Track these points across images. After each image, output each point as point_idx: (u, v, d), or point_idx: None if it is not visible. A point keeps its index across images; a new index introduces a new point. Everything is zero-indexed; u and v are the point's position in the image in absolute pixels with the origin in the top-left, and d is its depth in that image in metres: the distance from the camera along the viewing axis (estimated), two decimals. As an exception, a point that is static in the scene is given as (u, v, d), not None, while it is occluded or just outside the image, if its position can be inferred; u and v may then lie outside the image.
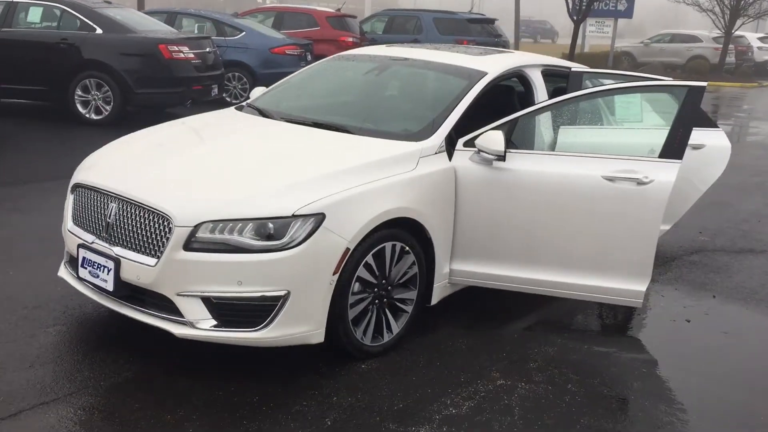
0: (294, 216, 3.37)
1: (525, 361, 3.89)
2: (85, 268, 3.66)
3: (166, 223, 3.37)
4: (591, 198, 3.94)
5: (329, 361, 3.72)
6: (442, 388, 3.57)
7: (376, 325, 3.83)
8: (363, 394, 3.46)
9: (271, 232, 3.36)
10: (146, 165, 3.87)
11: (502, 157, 3.95)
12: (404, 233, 3.85)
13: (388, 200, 3.69)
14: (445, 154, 4.10)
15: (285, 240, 3.35)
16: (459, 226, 4.14)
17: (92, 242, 3.64)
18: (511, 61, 4.89)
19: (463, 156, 4.11)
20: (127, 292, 3.51)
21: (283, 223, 3.37)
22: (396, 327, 3.93)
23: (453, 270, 4.21)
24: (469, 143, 4.10)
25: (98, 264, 3.57)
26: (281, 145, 4.06)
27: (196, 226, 3.33)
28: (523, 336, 4.22)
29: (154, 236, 3.42)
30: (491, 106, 4.57)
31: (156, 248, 3.40)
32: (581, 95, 4.20)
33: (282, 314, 3.38)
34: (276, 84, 5.18)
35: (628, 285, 4.01)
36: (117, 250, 3.52)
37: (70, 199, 3.90)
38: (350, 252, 3.51)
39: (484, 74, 4.54)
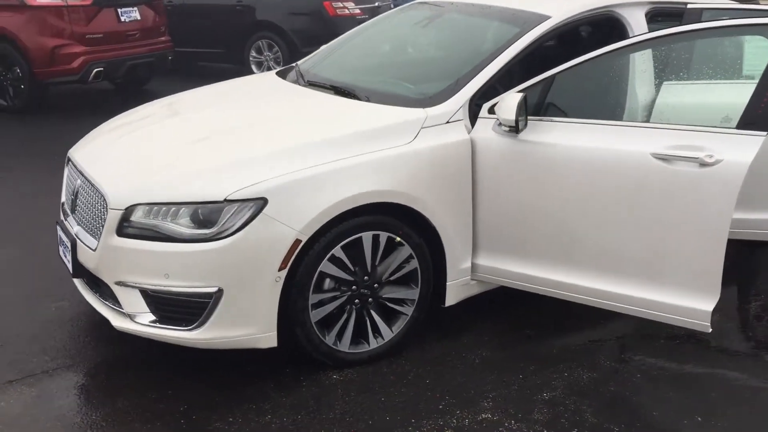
0: (227, 201, 2.87)
1: (536, 391, 3.05)
2: (59, 246, 3.50)
3: (104, 205, 3.06)
4: (637, 183, 2.93)
5: (304, 368, 3.20)
6: (406, 417, 2.90)
7: (357, 329, 3.23)
8: (305, 415, 2.91)
9: (203, 218, 2.90)
10: (120, 139, 3.59)
11: (514, 128, 3.08)
12: (393, 221, 3.17)
13: (362, 181, 3.04)
14: (462, 123, 3.31)
15: (215, 229, 2.87)
16: (481, 213, 3.35)
17: (64, 220, 3.47)
18: (595, 0, 3.85)
19: (485, 125, 3.29)
20: (84, 273, 3.28)
21: (213, 209, 2.89)
22: (389, 331, 3.29)
23: (477, 265, 3.44)
24: (494, 110, 3.26)
25: (63, 242, 3.38)
26: (262, 115, 3.54)
27: (128, 209, 2.97)
28: (559, 356, 3.34)
29: (97, 218, 3.13)
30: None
31: (98, 231, 3.11)
32: (629, 45, 3.11)
33: (216, 314, 2.92)
34: (333, 42, 4.63)
35: (688, 301, 2.95)
36: (76, 230, 3.29)
37: (65, 173, 3.76)
38: (302, 244, 2.94)
39: (544, 19, 3.61)
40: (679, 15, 3.88)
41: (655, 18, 3.94)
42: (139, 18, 9.04)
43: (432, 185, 3.21)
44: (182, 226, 2.92)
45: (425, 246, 3.29)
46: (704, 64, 3.13)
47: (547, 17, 3.63)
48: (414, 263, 3.28)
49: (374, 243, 3.15)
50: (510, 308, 3.72)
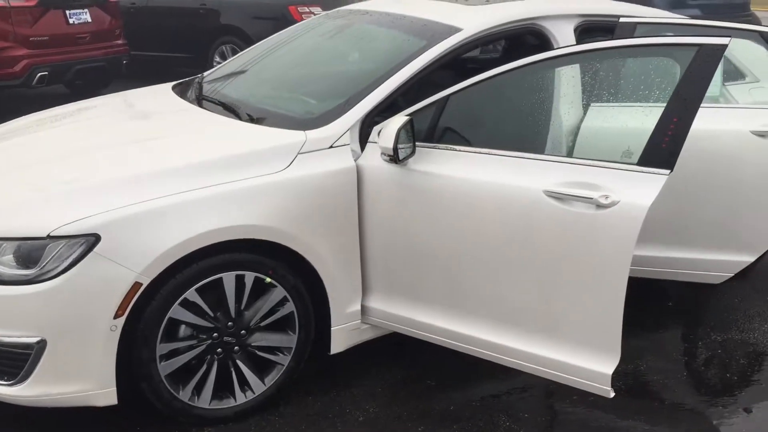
0: (50, 237, 2.47)
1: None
2: None
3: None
4: (528, 224, 2.53)
5: (168, 424, 2.80)
6: (257, 492, 2.50)
7: (220, 383, 2.82)
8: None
9: (24, 257, 2.50)
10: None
11: (393, 158, 2.67)
12: (263, 260, 2.77)
13: (219, 215, 2.64)
14: (348, 148, 2.90)
15: (36, 270, 2.47)
16: (370, 251, 2.95)
17: None
18: (516, 11, 3.45)
19: (375, 151, 2.88)
20: None
21: (35, 246, 2.48)
22: (260, 384, 2.88)
23: (368, 308, 3.03)
24: (382, 134, 2.86)
25: None
26: (121, 137, 3.11)
27: (-53, 243, 2.57)
28: (456, 414, 2.93)
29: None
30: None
31: None
32: (526, 64, 2.69)
33: (40, 368, 2.51)
34: (246, 50, 4.22)
35: (586, 362, 2.54)
36: None
37: None
38: (143, 287, 2.53)
39: (455, 32, 3.21)
40: (610, 29, 3.48)
41: (585, 33, 3.55)
42: (89, 20, 8.65)
43: (309, 219, 2.81)
44: (4, 265, 2.51)
45: (303, 287, 2.89)
46: (616, 87, 2.72)
47: (458, 29, 3.23)
48: (290, 307, 2.87)
49: (238, 285, 2.74)
50: (418, 353, 3.31)
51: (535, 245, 2.52)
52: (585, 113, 2.69)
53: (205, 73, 3.99)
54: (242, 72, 3.70)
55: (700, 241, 3.30)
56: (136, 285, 2.52)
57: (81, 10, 8.58)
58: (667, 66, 2.49)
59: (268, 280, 2.79)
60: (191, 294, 2.65)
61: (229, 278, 2.71)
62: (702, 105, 3.23)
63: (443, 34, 3.22)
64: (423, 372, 3.21)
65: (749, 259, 3.30)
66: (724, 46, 2.32)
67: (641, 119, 2.43)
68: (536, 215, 2.49)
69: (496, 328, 2.71)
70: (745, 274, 4.21)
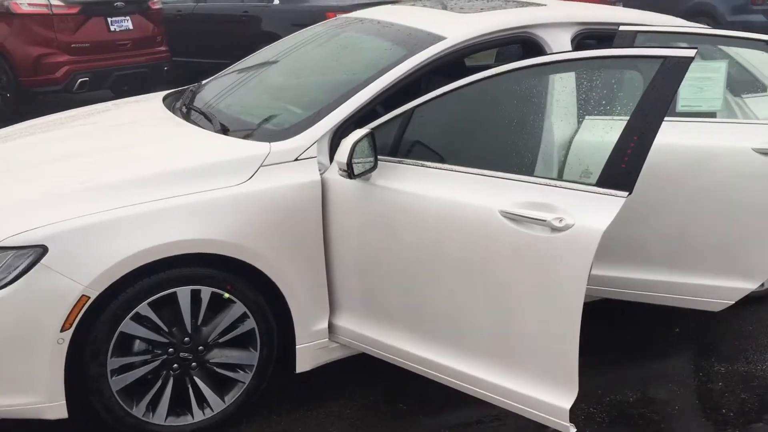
0: (-2, 248, 2.45)
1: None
2: None
3: None
4: (485, 246, 2.38)
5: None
6: None
7: (178, 399, 2.75)
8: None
9: (-27, 268, 2.49)
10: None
11: (347, 173, 2.55)
12: (221, 274, 2.70)
13: (172, 228, 2.58)
14: (315, 161, 2.81)
15: (-19, 282, 2.46)
16: (336, 267, 2.85)
17: None
18: (507, 19, 3.29)
19: (341, 165, 2.78)
20: None
21: (-19, 258, 2.47)
22: (220, 402, 2.81)
23: (336, 326, 2.93)
24: (352, 146, 2.75)
25: None
26: (87, 147, 3.08)
27: None
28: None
29: None
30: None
31: None
32: (488, 77, 2.52)
33: (-13, 378, 2.51)
34: (245, 59, 4.18)
35: (544, 394, 2.36)
36: None
37: None
38: (90, 300, 2.49)
39: (437, 41, 3.08)
40: (609, 38, 3.29)
41: (584, 42, 3.37)
42: (131, 27, 8.81)
43: (271, 234, 2.72)
44: (-44, 275, 2.51)
45: (265, 304, 2.80)
46: (581, 101, 2.53)
47: (442, 38, 3.10)
48: (250, 323, 2.79)
49: (194, 300, 2.68)
50: (394, 374, 3.17)
51: (491, 269, 2.37)
52: (549, 128, 2.52)
53: (204, 82, 3.96)
54: (230, 82, 3.64)
55: (698, 266, 3.07)
56: (84, 298, 2.48)
57: (123, 17, 8.75)
58: (631, 79, 2.30)
59: (227, 295, 2.72)
60: (143, 308, 2.60)
61: (183, 293, 2.65)
62: (704, 120, 3.05)
63: (425, 42, 3.10)
64: (396, 395, 3.08)
65: (751, 286, 3.06)
66: (690, 59, 2.13)
67: (602, 136, 2.25)
68: (492, 237, 2.34)
69: (456, 353, 2.57)
70: (766, 298, 3.97)
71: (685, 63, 2.12)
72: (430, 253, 2.53)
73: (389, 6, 4.03)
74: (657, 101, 2.11)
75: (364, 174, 2.59)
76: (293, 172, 2.77)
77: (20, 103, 8.22)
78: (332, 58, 3.45)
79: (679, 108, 3.08)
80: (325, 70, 3.39)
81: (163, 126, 3.20)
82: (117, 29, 8.67)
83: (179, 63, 9.84)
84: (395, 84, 2.96)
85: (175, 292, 2.63)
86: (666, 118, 3.04)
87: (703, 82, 3.04)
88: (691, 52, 2.13)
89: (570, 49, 3.28)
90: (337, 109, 2.88)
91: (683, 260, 3.09)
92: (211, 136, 2.98)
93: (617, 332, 3.61)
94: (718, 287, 3.08)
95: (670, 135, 3.02)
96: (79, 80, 8.28)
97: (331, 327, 2.93)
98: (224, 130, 3.02)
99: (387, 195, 2.63)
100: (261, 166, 2.75)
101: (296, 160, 2.79)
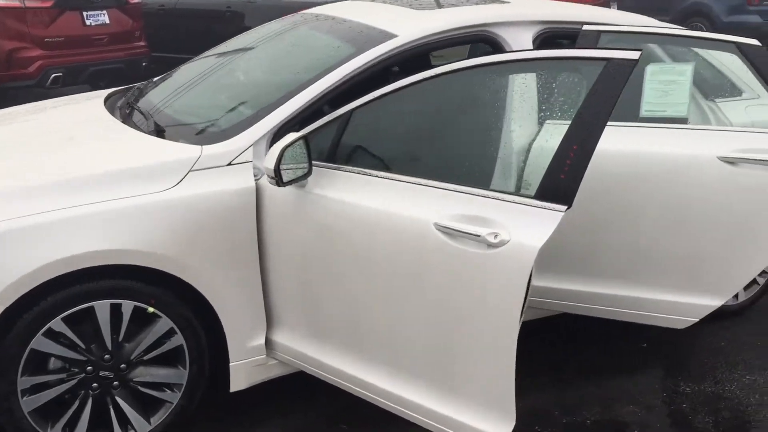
0: None
1: None
2: None
3: None
4: (420, 260, 2.19)
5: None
6: None
7: (99, 420, 2.57)
8: None
9: None
10: None
11: (275, 180, 2.36)
12: (144, 287, 2.52)
13: (87, 238, 2.38)
14: (250, 166, 2.62)
15: None
16: (273, 280, 2.66)
17: None
18: (464, 16, 3.10)
19: (277, 170, 2.59)
20: None
21: None
22: (145, 423, 2.63)
23: (274, 342, 2.75)
24: (286, 151, 2.56)
25: None
26: (13, 149, 2.89)
27: None
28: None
29: None
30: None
31: None
32: (428, 78, 2.34)
33: None
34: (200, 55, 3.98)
35: (481, 422, 2.18)
36: None
37: None
38: (-3, 315, 2.31)
39: (388, 38, 2.90)
40: (575, 37, 3.11)
41: (547, 42, 3.19)
42: (107, 22, 8.60)
43: (200, 244, 2.54)
44: None
45: (194, 318, 2.62)
46: (521, 107, 2.34)
47: (393, 36, 2.92)
48: (178, 339, 2.61)
49: (114, 314, 2.50)
50: (337, 392, 3.00)
51: (426, 287, 2.19)
52: (487, 134, 2.34)
53: (155, 79, 3.77)
54: (178, 80, 3.45)
55: (661, 280, 2.90)
56: (-11, 312, 2.29)
57: (99, 12, 8.54)
58: (574, 83, 2.12)
59: (151, 309, 2.54)
60: (57, 324, 2.41)
61: (102, 307, 2.46)
62: (668, 126, 2.87)
63: (376, 40, 2.91)
64: (337, 414, 2.90)
65: (716, 303, 2.88)
66: (634, 62, 1.94)
67: (541, 144, 2.07)
68: (426, 252, 2.16)
69: (393, 376, 2.39)
70: (741, 312, 3.80)
71: (628, 65, 1.93)
72: (364, 268, 2.35)
73: (351, 2, 3.85)
74: (599, 107, 1.93)
75: (296, 181, 2.41)
76: (226, 178, 2.59)
77: (-6, 99, 8.04)
78: (280, 57, 3.26)
79: (643, 113, 2.91)
80: (271, 69, 3.20)
81: (95, 127, 3.01)
82: (93, 23, 8.46)
83: (160, 58, 9.64)
84: (342, 84, 2.78)
85: (92, 306, 2.45)
86: (629, 124, 2.91)
87: (669, 85, 2.86)
88: (635, 54, 1.94)
89: (531, 48, 3.11)
90: (275, 111, 2.69)
91: (645, 274, 2.91)
92: (143, 139, 2.79)
93: (579, 347, 3.44)
94: (681, 303, 2.91)
95: (632, 142, 2.86)
96: (53, 75, 8.08)
97: (269, 343, 2.75)
98: (159, 132, 2.83)
99: (322, 203, 2.45)
100: (190, 170, 2.56)
101: (229, 164, 2.60)
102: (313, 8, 3.84)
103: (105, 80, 8.84)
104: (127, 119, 3.05)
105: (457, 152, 2.40)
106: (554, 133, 2.05)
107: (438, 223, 2.13)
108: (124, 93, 3.55)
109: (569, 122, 1.97)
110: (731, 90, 3.46)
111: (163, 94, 3.27)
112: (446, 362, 2.22)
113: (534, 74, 2.29)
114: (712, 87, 3.48)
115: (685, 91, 2.85)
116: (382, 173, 2.34)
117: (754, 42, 2.95)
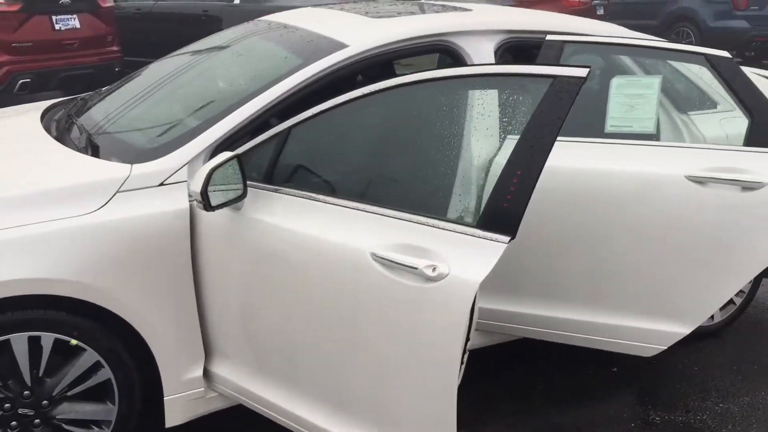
0: None
1: None
2: None
3: None
4: (354, 292, 2.02)
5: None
6: None
7: (21, 460, 2.38)
8: None
9: None
10: None
11: (203, 204, 2.18)
12: (67, 318, 2.33)
13: (1, 265, 2.20)
14: (184, 186, 2.44)
15: None
16: (209, 309, 2.48)
17: None
18: (421, 25, 2.94)
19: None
20: None
21: None
22: (71, 462, 2.44)
23: (214, 374, 2.56)
24: (221, 170, 2.37)
25: None
26: None
27: None
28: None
29: None
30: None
31: None
32: (370, 93, 2.16)
33: None
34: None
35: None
36: None
37: None
38: None
39: (338, 48, 2.72)
40: (538, 48, 2.94)
41: (509, 52, 3.03)
42: (78, 26, 8.39)
43: (127, 271, 2.35)
44: None
45: (124, 351, 2.44)
46: (476, 126, 2.16)
47: (343, 46, 2.74)
48: (106, 373, 2.42)
49: (33, 348, 2.31)
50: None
51: (362, 320, 2.01)
52: (431, 156, 2.16)
53: (103, 89, 3.58)
54: (121, 91, 3.26)
55: (626, 306, 2.73)
56: None
57: (69, 16, 8.33)
58: (522, 102, 1.94)
59: (74, 342, 2.35)
60: (-32, 359, 2.23)
61: (19, 340, 2.27)
62: (634, 143, 2.70)
63: (325, 51, 2.74)
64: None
65: (684, 330, 2.71)
66: (582, 79, 1.78)
67: (485, 169, 1.90)
68: (363, 283, 1.98)
69: (332, 415, 2.21)
70: (717, 333, 3.64)
71: (576, 84, 1.76)
72: (299, 300, 2.17)
73: (308, 9, 3.67)
74: (544, 129, 1.76)
75: (228, 204, 2.22)
76: (157, 199, 2.40)
77: (-41, 105, 7.82)
78: (226, 68, 3.07)
79: (608, 128, 2.74)
80: (215, 81, 3.01)
81: (23, 143, 2.82)
82: (62, 28, 8.25)
83: (136, 63, 9.44)
84: (288, 97, 2.60)
85: (8, 340, 2.26)
86: (594, 140, 2.75)
87: (635, 99, 2.70)
88: (582, 71, 1.77)
89: (492, 59, 2.94)
90: (213, 128, 2.51)
91: (609, 298, 2.74)
92: (73, 157, 2.60)
93: (544, 372, 3.27)
94: (647, 330, 2.74)
95: (597, 159, 2.69)
96: (20, 81, 7.87)
97: (209, 375, 2.57)
98: (93, 149, 2.64)
99: (258, 228, 2.27)
100: (117, 191, 2.37)
101: (161, 184, 2.42)
102: (269, 15, 3.67)
103: (77, 86, 8.65)
104: (61, 135, 2.86)
105: (398, 174, 2.23)
106: (501, 156, 1.87)
107: (375, 253, 1.96)
108: (66, 105, 3.35)
109: (511, 147, 1.80)
110: (705, 102, 3.30)
111: (105, 107, 3.09)
112: (385, 402, 2.05)
113: (476, 92, 2.11)
114: (685, 99, 3.33)
115: (652, 106, 2.69)
116: (320, 196, 2.16)
117: (724, 54, 2.79)
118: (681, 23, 13.96)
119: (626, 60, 3.17)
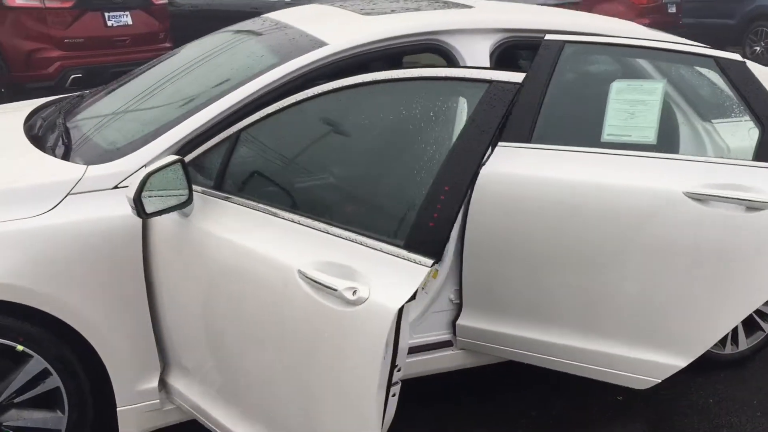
0: None
1: None
2: None
3: None
4: (281, 311, 1.86)
5: None
6: None
7: (-36, 468, 2.34)
8: None
9: None
10: None
11: (136, 210, 2.06)
12: (14, 322, 2.26)
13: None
14: (142, 189, 2.33)
15: None
16: (162, 317, 2.37)
17: None
18: (411, 23, 2.75)
19: (167, 195, 2.29)
20: None
21: None
22: (19, 472, 2.38)
23: (170, 386, 2.46)
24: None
25: None
26: None
27: None
28: None
29: None
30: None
31: None
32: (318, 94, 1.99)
33: None
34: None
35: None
36: None
37: None
38: None
39: (317, 47, 2.58)
40: (535, 48, 2.72)
41: (507, 52, 2.81)
42: (130, 23, 8.52)
43: (76, 276, 2.26)
44: None
45: (74, 358, 2.35)
46: (412, 134, 1.95)
47: (323, 44, 2.59)
48: (54, 381, 2.35)
49: (-22, 353, 2.25)
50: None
51: (290, 340, 1.86)
52: (370, 166, 1.98)
53: (91, 90, 3.53)
54: (106, 92, 3.20)
55: (618, 333, 2.48)
56: None
57: (122, 13, 8.46)
58: (457, 108, 1.74)
59: (20, 348, 2.28)
60: None
61: (-38, 345, 2.22)
62: (631, 154, 2.47)
63: (303, 49, 2.59)
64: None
65: (680, 363, 2.45)
66: (517, 86, 1.57)
67: (419, 183, 1.71)
68: (288, 303, 1.83)
69: (267, 429, 2.06)
70: (741, 362, 3.33)
71: (510, 90, 1.56)
72: (236, 316, 2.03)
73: (311, 6, 3.54)
74: (476, 139, 1.56)
75: (167, 211, 2.10)
76: (110, 202, 2.30)
77: (16, 99, 8.03)
78: (204, 69, 2.95)
79: (605, 137, 2.50)
80: (188, 81, 2.89)
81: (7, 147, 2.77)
82: (114, 24, 8.38)
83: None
84: (258, 98, 2.46)
85: (-52, 345, 2.21)
86: (589, 150, 2.51)
87: (635, 106, 2.45)
88: (518, 77, 1.57)
89: (487, 60, 2.74)
90: (174, 129, 2.40)
91: (601, 324, 2.50)
92: (37, 158, 2.53)
93: (541, 398, 3.04)
94: (641, 361, 2.49)
95: (591, 171, 2.46)
96: (72, 76, 8.03)
97: (167, 387, 2.46)
98: (59, 150, 2.57)
99: (201, 237, 2.14)
100: (69, 193, 2.29)
101: (116, 187, 2.33)
102: (270, 13, 3.55)
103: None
104: (37, 135, 2.80)
105: (334, 185, 2.06)
106: (428, 171, 1.68)
107: (302, 271, 1.80)
108: (55, 104, 3.32)
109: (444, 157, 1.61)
110: (732, 109, 3.00)
111: (87, 108, 3.02)
112: (313, 426, 1.89)
113: (412, 98, 1.91)
114: (710, 106, 3.04)
115: (653, 114, 2.44)
116: (262, 206, 2.01)
117: (735, 56, 2.50)
118: (759, 22, 13.29)
119: (642, 63, 2.91)
